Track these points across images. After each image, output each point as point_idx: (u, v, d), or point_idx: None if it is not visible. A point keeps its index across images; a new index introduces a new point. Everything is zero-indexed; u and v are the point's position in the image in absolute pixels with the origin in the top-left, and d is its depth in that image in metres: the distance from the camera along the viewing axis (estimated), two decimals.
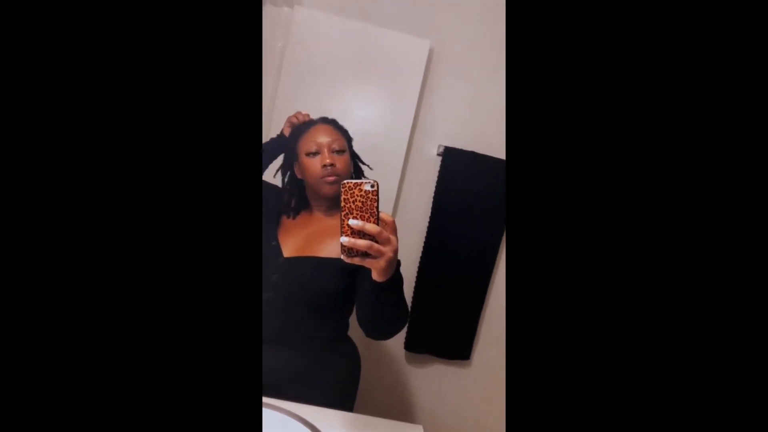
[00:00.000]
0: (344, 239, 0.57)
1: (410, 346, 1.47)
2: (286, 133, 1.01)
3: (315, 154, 0.87)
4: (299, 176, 0.92)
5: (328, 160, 0.86)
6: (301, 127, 0.93)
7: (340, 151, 0.88)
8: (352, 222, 0.56)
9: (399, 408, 1.53)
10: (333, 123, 0.93)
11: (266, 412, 0.74)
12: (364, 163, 0.98)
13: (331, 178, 0.86)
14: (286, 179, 0.97)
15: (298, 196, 0.95)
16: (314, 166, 0.87)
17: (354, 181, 0.57)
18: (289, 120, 1.02)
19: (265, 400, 0.77)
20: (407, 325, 1.41)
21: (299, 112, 1.02)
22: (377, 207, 0.57)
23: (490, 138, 1.42)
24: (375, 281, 0.64)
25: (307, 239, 0.89)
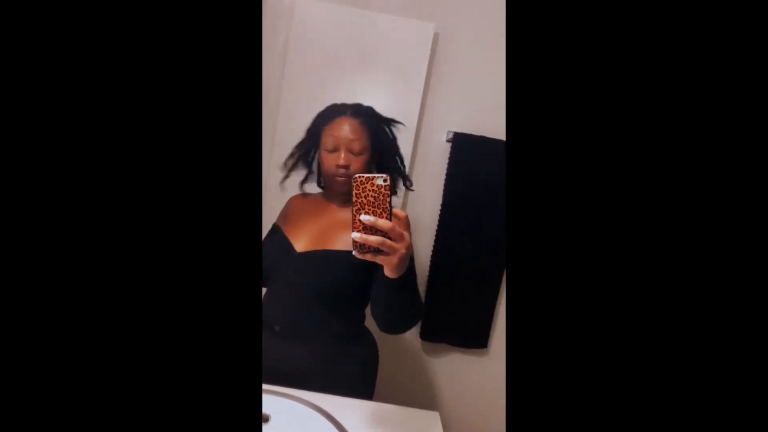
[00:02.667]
0: (356, 235, 0.56)
1: (426, 335, 1.46)
2: None
3: (333, 150, 0.85)
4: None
5: (342, 162, 0.84)
6: (329, 112, 0.88)
7: (358, 153, 0.84)
8: (364, 218, 0.55)
9: (417, 397, 1.53)
10: (362, 117, 0.87)
11: (283, 402, 0.74)
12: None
13: (342, 179, 0.85)
14: (309, 159, 0.94)
15: (318, 177, 0.96)
16: (330, 162, 0.85)
17: (366, 175, 0.56)
18: None
19: (282, 389, 0.77)
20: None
21: None
22: (390, 202, 0.56)
23: (500, 121, 1.38)
24: (387, 278, 0.63)
25: (321, 232, 0.88)
